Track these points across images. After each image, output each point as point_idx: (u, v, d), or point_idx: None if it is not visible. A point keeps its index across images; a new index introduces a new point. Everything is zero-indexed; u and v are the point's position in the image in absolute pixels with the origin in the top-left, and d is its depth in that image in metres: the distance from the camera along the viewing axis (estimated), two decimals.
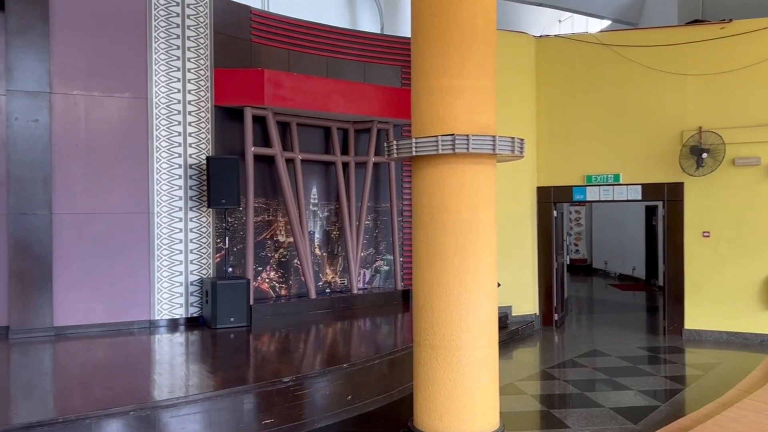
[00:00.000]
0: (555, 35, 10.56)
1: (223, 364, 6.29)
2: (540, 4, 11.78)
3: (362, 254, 9.97)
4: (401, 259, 10.16)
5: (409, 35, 4.47)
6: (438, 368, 4.44)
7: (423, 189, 4.50)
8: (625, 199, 9.84)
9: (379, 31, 13.61)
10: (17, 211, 7.31)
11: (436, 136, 4.28)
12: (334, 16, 12.35)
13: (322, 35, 9.65)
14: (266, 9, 10.30)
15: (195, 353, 6.84)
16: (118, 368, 6.06)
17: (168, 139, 8.05)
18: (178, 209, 8.11)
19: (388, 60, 10.19)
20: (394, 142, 4.53)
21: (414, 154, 4.36)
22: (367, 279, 10.19)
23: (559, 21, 16.96)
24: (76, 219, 7.62)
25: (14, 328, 7.28)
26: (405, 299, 9.91)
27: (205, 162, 8.18)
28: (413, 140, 4.36)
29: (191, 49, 8.19)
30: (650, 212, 15.23)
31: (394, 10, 13.17)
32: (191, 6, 8.18)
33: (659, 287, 13.28)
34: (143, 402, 4.80)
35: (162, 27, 8.02)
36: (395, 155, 4.51)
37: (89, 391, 5.17)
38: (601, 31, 11.39)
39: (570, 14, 16.08)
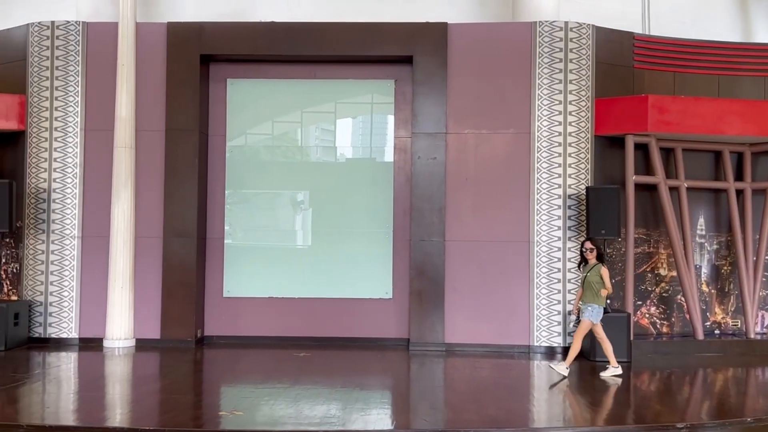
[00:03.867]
0: None
1: (603, 398, 6.16)
2: None
3: (761, 294, 8.77)
4: None
5: None
6: None
7: None
8: None
9: None
10: (418, 237, 8.35)
11: None
12: (723, 30, 11.27)
13: (711, 53, 8.95)
14: (647, 32, 9.93)
15: (573, 384, 6.82)
16: (502, 389, 6.42)
17: (548, 170, 8.31)
18: (556, 239, 8.27)
19: None
20: None
21: None
22: (766, 323, 8.93)
23: None
24: (465, 246, 8.35)
25: (413, 341, 8.30)
26: None
27: (584, 192, 8.20)
28: None
29: (573, 82, 8.34)
30: None
31: None
32: (574, 40, 8.34)
33: None
34: (523, 426, 5.03)
35: (545, 63, 8.34)
36: None
37: (482, 408, 5.56)
38: None
39: None
